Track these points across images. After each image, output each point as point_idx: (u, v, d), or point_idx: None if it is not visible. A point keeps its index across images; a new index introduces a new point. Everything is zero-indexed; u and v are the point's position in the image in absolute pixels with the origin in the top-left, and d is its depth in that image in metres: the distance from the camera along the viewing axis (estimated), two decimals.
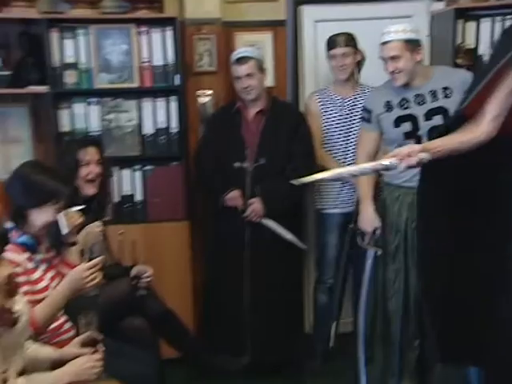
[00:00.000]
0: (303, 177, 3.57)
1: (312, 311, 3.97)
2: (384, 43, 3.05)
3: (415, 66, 3.05)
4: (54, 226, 2.55)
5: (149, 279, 3.04)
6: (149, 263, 3.24)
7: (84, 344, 2.31)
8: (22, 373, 2.14)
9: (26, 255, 2.50)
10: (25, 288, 2.39)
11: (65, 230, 2.57)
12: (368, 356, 3.25)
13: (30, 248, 2.53)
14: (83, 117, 3.75)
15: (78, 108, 3.75)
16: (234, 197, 3.51)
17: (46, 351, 2.33)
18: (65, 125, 3.73)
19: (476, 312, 2.63)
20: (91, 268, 2.47)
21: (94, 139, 3.38)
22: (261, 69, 3.57)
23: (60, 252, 2.70)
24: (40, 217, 2.53)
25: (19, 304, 2.15)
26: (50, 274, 2.59)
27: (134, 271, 3.10)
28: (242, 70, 3.51)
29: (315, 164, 3.63)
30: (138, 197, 3.83)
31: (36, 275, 2.51)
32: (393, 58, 3.02)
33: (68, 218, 2.58)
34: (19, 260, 2.44)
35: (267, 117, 3.61)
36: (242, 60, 3.52)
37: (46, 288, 2.51)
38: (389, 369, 3.26)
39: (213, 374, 3.45)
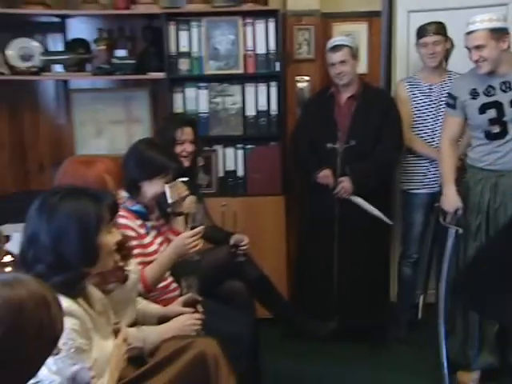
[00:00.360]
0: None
1: (396, 283, 3.92)
2: (469, 33, 2.92)
3: (501, 54, 2.89)
4: (162, 196, 2.63)
5: (246, 247, 3.09)
6: (247, 233, 3.28)
7: (186, 304, 2.39)
8: (133, 325, 2.25)
9: (139, 222, 2.60)
10: (137, 251, 2.50)
11: (170, 200, 2.64)
12: (448, 328, 3.17)
13: (142, 216, 2.63)
14: (194, 100, 3.84)
15: (190, 92, 3.84)
16: (325, 175, 3.50)
17: (153, 307, 2.44)
18: (178, 107, 3.83)
19: None
20: (193, 236, 2.54)
21: (191, 120, 3.37)
22: (354, 56, 3.53)
23: (168, 221, 2.80)
24: (150, 188, 2.61)
25: (131, 264, 2.26)
26: (158, 240, 2.68)
27: (232, 240, 3.16)
28: (336, 56, 3.48)
29: (403, 146, 3.57)
30: (240, 172, 3.89)
31: (147, 240, 2.61)
32: (477, 47, 2.89)
33: (174, 190, 2.65)
34: (133, 226, 2.55)
35: (358, 101, 3.56)
36: (336, 48, 3.49)
37: (155, 252, 2.61)
38: (468, 341, 3.16)
39: (303, 336, 3.48)
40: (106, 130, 4.10)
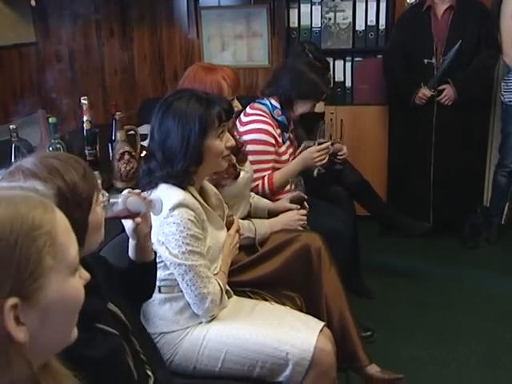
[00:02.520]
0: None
1: (491, 189, 3.53)
2: None
3: None
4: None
5: (343, 156, 2.81)
6: (352, 139, 3.04)
7: (293, 201, 2.23)
8: (246, 218, 2.12)
9: (279, 131, 2.44)
10: (272, 157, 2.38)
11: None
12: None
13: (284, 127, 2.47)
14: (308, 15, 3.51)
15: (305, 8, 3.52)
16: (422, 96, 3.11)
17: (264, 202, 2.29)
18: (293, 22, 3.53)
19: None
20: (320, 151, 2.34)
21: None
22: None
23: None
24: (302, 107, 2.44)
25: (246, 165, 2.11)
26: (290, 151, 2.52)
27: (332, 149, 2.89)
28: None
29: (499, 55, 3.13)
30: (348, 83, 3.56)
31: (282, 149, 2.46)
32: None
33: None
34: (274, 133, 2.39)
35: (455, 12, 3.09)
36: None
37: (286, 161, 2.46)
38: None
39: (399, 233, 3.22)
40: (229, 43, 3.91)
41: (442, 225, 3.30)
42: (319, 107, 2.85)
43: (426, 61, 3.12)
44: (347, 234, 2.47)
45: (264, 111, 2.40)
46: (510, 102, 3.20)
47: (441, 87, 3.12)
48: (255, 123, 2.36)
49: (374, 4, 3.41)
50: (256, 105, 2.45)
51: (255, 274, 1.96)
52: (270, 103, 2.42)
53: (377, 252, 3.24)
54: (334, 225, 2.37)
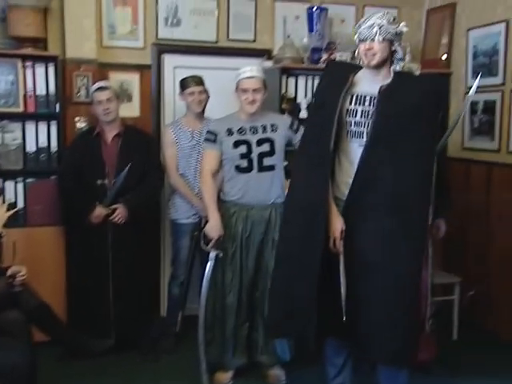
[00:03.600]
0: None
1: (166, 300, 3.83)
2: (249, 77, 3.01)
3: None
4: None
5: (23, 278, 2.74)
6: (27, 262, 2.95)
7: None
8: None
9: None
10: None
11: None
12: (208, 339, 3.15)
13: None
14: None
15: None
16: (99, 214, 3.34)
17: None
18: None
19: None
20: None
21: None
22: (117, 96, 3.48)
23: None
24: None
25: None
26: None
27: (9, 271, 2.80)
28: (103, 95, 3.39)
29: (164, 175, 3.58)
30: (20, 204, 3.53)
31: None
32: (255, 89, 3.00)
33: None
34: None
35: (123, 139, 3.47)
36: (102, 88, 3.42)
37: None
38: (225, 347, 3.18)
39: (82, 355, 3.20)
40: None
41: (124, 340, 3.41)
42: None
43: (98, 182, 3.35)
44: (23, 365, 2.36)
45: None
46: (175, 220, 3.62)
47: (114, 206, 3.36)
48: None
49: (45, 127, 3.53)
50: None
51: None
52: None
53: (59, 379, 3.10)
54: (6, 359, 2.25)
